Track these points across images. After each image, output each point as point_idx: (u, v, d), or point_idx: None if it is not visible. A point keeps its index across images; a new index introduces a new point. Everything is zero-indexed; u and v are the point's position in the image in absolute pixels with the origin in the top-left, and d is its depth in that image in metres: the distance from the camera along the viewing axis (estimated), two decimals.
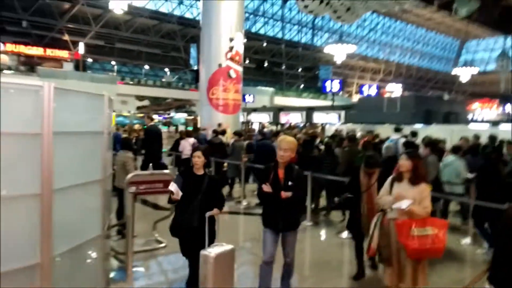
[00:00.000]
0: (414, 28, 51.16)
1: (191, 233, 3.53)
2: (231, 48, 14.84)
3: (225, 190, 8.74)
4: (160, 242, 5.29)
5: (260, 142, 8.74)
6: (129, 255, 4.18)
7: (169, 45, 39.40)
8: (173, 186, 3.54)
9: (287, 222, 3.61)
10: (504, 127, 22.60)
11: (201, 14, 16.11)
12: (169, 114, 34.72)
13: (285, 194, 3.44)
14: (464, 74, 36.30)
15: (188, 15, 38.77)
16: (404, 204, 3.44)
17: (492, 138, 9.09)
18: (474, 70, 36.95)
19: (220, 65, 14.77)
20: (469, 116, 31.01)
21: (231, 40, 14.83)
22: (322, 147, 8.62)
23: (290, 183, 3.51)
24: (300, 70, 48.11)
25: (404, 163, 3.66)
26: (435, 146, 6.35)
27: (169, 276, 4.68)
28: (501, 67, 31.15)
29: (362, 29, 48.66)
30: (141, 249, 5.10)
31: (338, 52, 30.48)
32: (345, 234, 6.06)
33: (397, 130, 10.64)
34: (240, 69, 15.40)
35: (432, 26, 49.26)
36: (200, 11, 16.36)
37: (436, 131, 14.07)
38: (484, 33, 46.24)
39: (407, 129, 12.16)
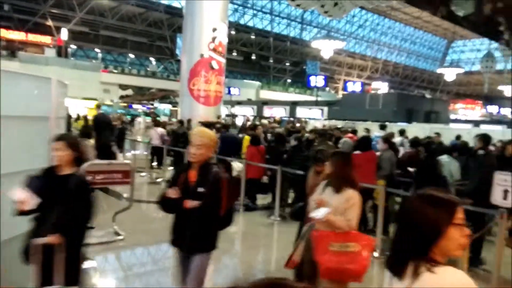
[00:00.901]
0: (403, 26, 51.37)
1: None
2: (213, 39, 14.60)
3: None
4: (118, 234, 5.12)
5: (224, 134, 8.66)
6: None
7: (155, 34, 38.83)
8: (20, 192, 2.35)
9: (193, 241, 2.66)
10: (486, 127, 22.91)
11: (185, 2, 15.83)
12: (152, 104, 34.29)
13: (189, 204, 2.57)
14: (449, 73, 36.60)
15: (175, 4, 38.23)
16: (320, 212, 2.85)
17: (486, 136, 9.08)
18: (460, 70, 37.30)
19: (202, 55, 14.53)
20: (452, 116, 31.35)
21: (214, 30, 14.59)
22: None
23: (201, 189, 2.61)
24: (287, 64, 47.98)
25: (321, 164, 3.19)
26: (391, 142, 6.36)
27: (122, 271, 4.52)
28: (486, 67, 31.41)
29: (351, 26, 48.67)
30: (97, 242, 4.93)
31: (326, 48, 30.40)
32: None
33: (382, 127, 10.67)
34: (223, 60, 15.18)
35: (420, 24, 49.51)
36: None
37: (417, 129, 14.15)
38: (471, 33, 46.65)
39: (389, 127, 12.21)
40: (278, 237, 6.19)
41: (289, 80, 48.69)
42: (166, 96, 36.25)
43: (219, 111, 15.83)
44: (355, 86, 29.53)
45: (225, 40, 15.16)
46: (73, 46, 35.29)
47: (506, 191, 4.56)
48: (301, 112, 25.41)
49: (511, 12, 8.53)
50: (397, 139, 9.64)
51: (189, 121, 11.51)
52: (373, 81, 47.73)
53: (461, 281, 1.21)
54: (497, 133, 14.04)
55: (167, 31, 38.05)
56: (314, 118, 22.95)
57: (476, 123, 26.66)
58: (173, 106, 33.60)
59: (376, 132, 11.36)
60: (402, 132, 10.34)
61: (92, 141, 5.63)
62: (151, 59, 39.38)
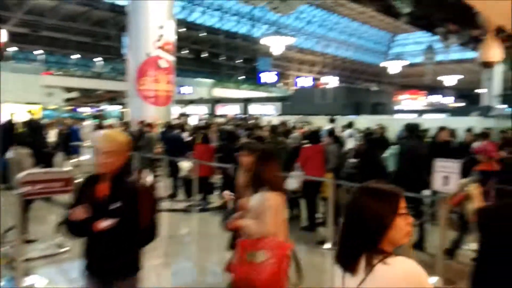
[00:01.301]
0: (349, 21, 52.91)
1: None
2: (160, 37, 14.23)
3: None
4: (63, 246, 4.85)
5: (168, 134, 8.54)
6: (20, 262, 3.76)
7: (100, 34, 37.35)
8: None
9: (112, 266, 2.23)
10: (429, 116, 24.11)
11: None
12: (99, 106, 33.03)
13: (102, 224, 2.12)
14: (394, 66, 38.18)
15: (120, 1, 36.91)
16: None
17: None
18: (403, 63, 39.01)
19: (149, 54, 14.13)
20: (397, 107, 32.79)
21: (161, 28, 14.23)
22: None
23: (115, 204, 2.17)
24: (239, 61, 47.96)
25: (244, 159, 2.89)
26: (335, 135, 6.60)
27: (69, 285, 4.28)
28: (427, 59, 33.09)
29: (300, 22, 49.43)
30: (40, 255, 4.64)
31: (276, 44, 30.64)
32: None
33: (332, 121, 10.93)
34: (172, 58, 14.85)
35: (365, 19, 51.21)
36: None
37: (365, 121, 14.63)
38: (413, 27, 48.97)
39: (339, 120, 12.55)
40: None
41: (242, 77, 48.71)
42: (114, 97, 35.01)
43: (170, 111, 15.50)
44: (306, 81, 30.07)
45: (173, 38, 14.83)
46: (13, 48, 33.14)
47: (446, 177, 4.80)
48: (254, 109, 25.52)
49: (446, 5, 9.06)
50: (346, 132, 9.92)
51: (142, 123, 11.06)
52: (324, 76, 48.87)
53: (413, 269, 1.26)
54: (439, 121, 14.83)
55: (112, 30, 36.71)
56: (268, 114, 23.12)
57: (420, 113, 28.06)
58: (122, 108, 32.54)
59: (327, 125, 11.64)
60: (350, 125, 10.66)
61: (27, 149, 5.28)
62: (97, 59, 37.86)
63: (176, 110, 20.27)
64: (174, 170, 7.91)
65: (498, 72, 29.87)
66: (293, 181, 6.15)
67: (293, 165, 6.22)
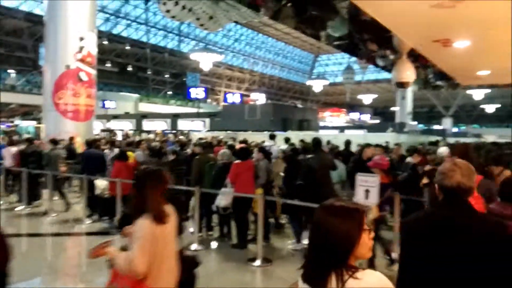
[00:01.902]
0: (275, 41, 54.77)
1: None
2: (81, 49, 13.48)
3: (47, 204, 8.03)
4: None
5: (86, 151, 8.16)
6: None
7: (14, 44, 34.47)
8: None
9: None
10: (349, 132, 25.54)
11: (45, 7, 14.33)
12: (12, 122, 30.28)
13: None
14: (317, 85, 40.10)
15: (37, 11, 34.48)
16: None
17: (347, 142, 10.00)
18: (325, 82, 41.16)
19: (68, 66, 13.28)
20: (321, 123, 34.39)
21: (82, 39, 13.49)
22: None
23: None
24: (167, 76, 47.09)
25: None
26: (266, 152, 6.78)
27: None
28: (346, 79, 35.19)
29: (228, 39, 50.09)
30: None
31: (204, 60, 30.64)
32: (194, 247, 5.85)
33: (272, 137, 11.06)
34: (93, 72, 14.10)
35: (290, 40, 53.37)
36: (45, 4, 14.54)
37: (292, 137, 15.07)
38: (334, 49, 52.02)
39: (266, 136, 12.76)
40: None
41: (169, 92, 47.80)
42: (29, 112, 32.33)
43: (92, 126, 14.64)
44: (234, 97, 30.36)
45: (94, 50, 14.12)
46: None
47: (367, 191, 5.05)
48: (183, 124, 25.09)
49: (366, 28, 9.75)
50: (282, 147, 10.04)
51: (55, 139, 10.30)
52: (252, 93, 49.78)
53: (382, 281, 1.31)
54: (359, 137, 15.78)
55: (28, 40, 34.09)
56: (197, 130, 22.85)
57: (342, 129, 29.71)
58: (38, 123, 30.15)
59: (267, 142, 11.82)
60: (287, 140, 11.00)
61: None
62: (10, 71, 34.78)
63: (98, 126, 19.22)
64: (90, 189, 7.64)
65: (410, 90, 32.75)
66: (223, 198, 6.07)
67: (222, 182, 6.15)
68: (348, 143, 9.92)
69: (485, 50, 7.28)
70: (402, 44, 9.93)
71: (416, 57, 10.63)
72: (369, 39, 10.77)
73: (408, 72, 10.87)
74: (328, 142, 10.44)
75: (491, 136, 33.81)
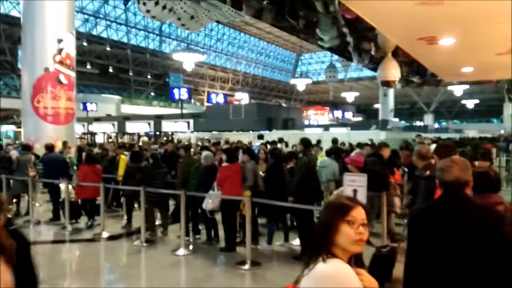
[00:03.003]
0: (257, 41, 54.69)
1: None
2: (60, 51, 13.14)
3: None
4: None
5: (47, 156, 8.20)
6: None
7: None
8: None
9: None
10: (334, 130, 25.68)
11: (21, 8, 13.94)
12: None
13: None
14: (300, 84, 40.15)
15: (14, 13, 33.60)
16: None
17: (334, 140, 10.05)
18: (309, 81, 41.27)
19: (47, 69, 12.94)
20: (306, 122, 34.51)
21: (60, 41, 13.15)
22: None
23: None
24: (149, 77, 46.51)
25: None
26: (252, 153, 6.68)
27: None
28: (329, 77, 35.33)
29: (210, 39, 49.80)
30: None
31: (187, 60, 30.36)
32: (181, 251, 5.75)
33: (260, 137, 11.01)
34: (72, 74, 13.76)
35: (272, 39, 53.38)
36: (21, 6, 14.15)
37: (277, 136, 15.03)
38: (316, 47, 52.22)
39: (251, 135, 12.70)
40: (146, 264, 5.73)
41: (152, 94, 47.24)
42: (8, 116, 31.51)
43: (73, 129, 14.30)
44: (218, 97, 30.18)
45: (73, 52, 13.79)
46: None
47: (355, 190, 5.01)
48: (166, 126, 24.80)
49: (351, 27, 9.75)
50: (256, 144, 10.04)
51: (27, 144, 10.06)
52: (235, 92, 49.61)
53: (342, 271, 1.37)
54: (343, 135, 15.83)
55: (5, 43, 33.21)
56: (181, 131, 22.59)
57: (326, 127, 29.85)
58: (17, 127, 29.38)
59: (256, 142, 11.76)
60: (280, 140, 10.99)
61: None
62: None
63: (79, 129, 18.82)
64: (54, 193, 7.76)
65: (392, 88, 33.11)
66: (210, 201, 5.96)
67: (207, 184, 6.04)
68: (335, 141, 9.99)
69: (470, 48, 7.34)
70: (388, 42, 9.94)
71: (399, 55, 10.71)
72: (362, 38, 10.78)
73: (393, 71, 10.92)
74: (319, 142, 10.46)
75: (472, 131, 34.50)
